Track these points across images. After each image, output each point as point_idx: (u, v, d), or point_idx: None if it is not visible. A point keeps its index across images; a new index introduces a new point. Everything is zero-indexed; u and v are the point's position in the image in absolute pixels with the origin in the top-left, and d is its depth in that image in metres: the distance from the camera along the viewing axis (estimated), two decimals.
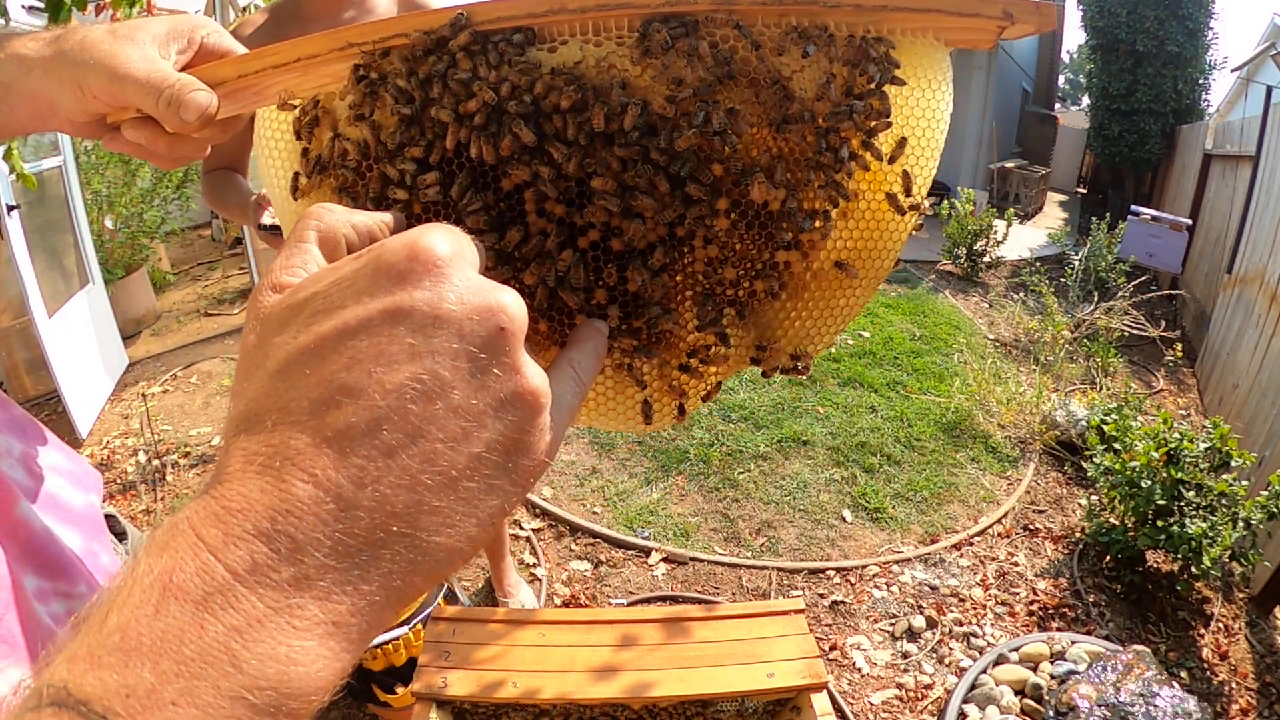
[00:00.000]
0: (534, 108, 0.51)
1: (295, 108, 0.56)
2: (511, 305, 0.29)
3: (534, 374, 0.29)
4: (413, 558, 0.26)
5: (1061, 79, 24.23)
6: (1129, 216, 6.58)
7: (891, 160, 0.55)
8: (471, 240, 0.32)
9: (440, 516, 0.26)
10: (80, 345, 3.73)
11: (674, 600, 2.60)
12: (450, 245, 0.29)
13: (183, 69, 0.52)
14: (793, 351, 0.59)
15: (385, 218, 0.37)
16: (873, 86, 0.53)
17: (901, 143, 0.55)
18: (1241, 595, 2.77)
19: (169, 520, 0.25)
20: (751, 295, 0.58)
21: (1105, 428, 2.99)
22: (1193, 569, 2.46)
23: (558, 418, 0.32)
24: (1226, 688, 2.38)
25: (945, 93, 0.55)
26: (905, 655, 2.43)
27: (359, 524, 0.25)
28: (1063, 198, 12.42)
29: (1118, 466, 2.66)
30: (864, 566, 2.81)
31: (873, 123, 0.53)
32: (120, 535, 0.69)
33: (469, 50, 0.51)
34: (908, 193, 0.56)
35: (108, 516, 0.67)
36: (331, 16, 1.44)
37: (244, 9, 3.85)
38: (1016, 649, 2.23)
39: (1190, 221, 6.54)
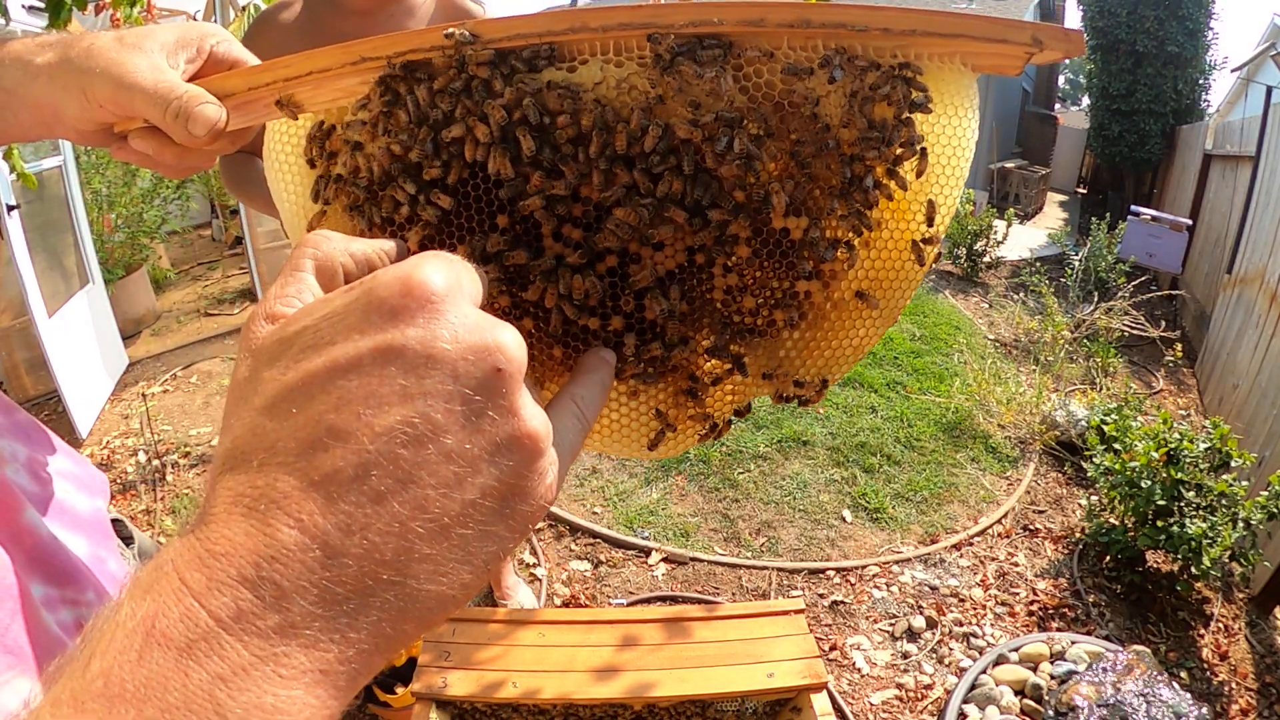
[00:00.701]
0: (546, 125, 0.50)
1: (295, 115, 0.54)
2: (509, 345, 0.27)
3: (532, 416, 0.28)
4: (403, 606, 0.25)
5: (1061, 79, 24.22)
6: (1129, 217, 6.58)
7: (918, 175, 0.54)
8: (473, 270, 0.30)
9: (432, 564, 0.25)
10: (80, 345, 3.73)
11: (674, 600, 2.60)
12: (446, 278, 0.28)
13: (191, 78, 0.51)
14: (811, 379, 0.58)
15: (386, 245, 0.36)
16: (901, 115, 0.51)
17: (924, 169, 0.54)
18: (1241, 595, 2.77)
19: (152, 562, 0.24)
20: (770, 324, 0.56)
21: (1105, 428, 2.99)
22: (1193, 569, 2.46)
23: (559, 458, 0.30)
24: (1226, 688, 2.39)
25: (971, 119, 0.54)
26: (905, 655, 2.43)
27: (346, 571, 0.24)
28: (1063, 198, 12.42)
29: (1118, 467, 2.66)
30: (864, 567, 2.81)
31: (899, 152, 0.52)
32: (127, 540, 0.68)
33: (487, 67, 0.50)
34: (930, 222, 0.55)
35: (114, 521, 0.67)
36: (369, 11, 1.40)
37: (244, 9, 3.84)
38: (1016, 649, 2.23)
39: (1190, 222, 6.54)
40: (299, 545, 0.24)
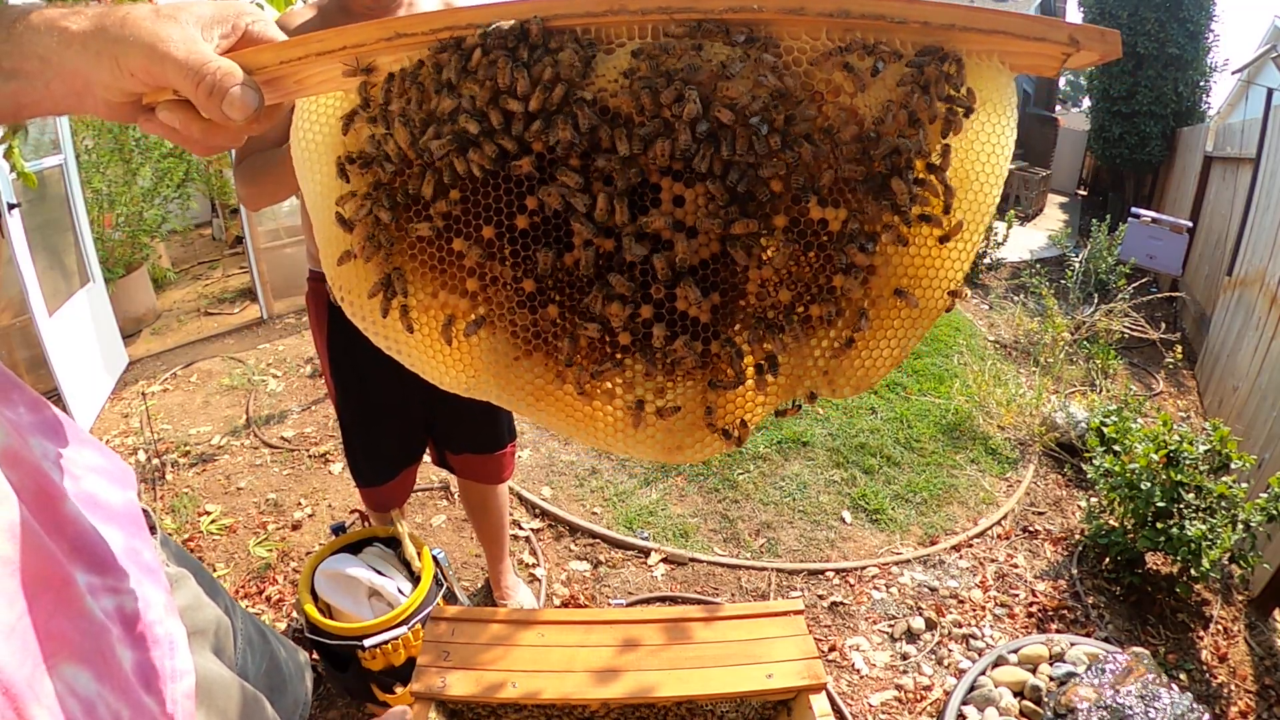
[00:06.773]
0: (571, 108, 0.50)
1: (370, 74, 0.53)
2: None
3: None
4: None
5: (1062, 80, 24.21)
6: (1129, 218, 6.58)
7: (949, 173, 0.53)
8: None
9: None
10: (80, 344, 3.73)
11: (673, 601, 2.60)
12: None
13: (224, 55, 0.51)
14: (850, 386, 0.58)
15: None
16: (943, 111, 0.51)
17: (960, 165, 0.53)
18: (1241, 597, 2.77)
19: None
20: (806, 320, 0.55)
21: (1105, 430, 2.98)
22: (1192, 571, 2.46)
23: None
24: (1225, 690, 2.39)
25: (1010, 119, 0.53)
26: (904, 657, 2.43)
27: None
28: (1063, 199, 12.41)
29: (1117, 468, 2.66)
30: (863, 568, 2.81)
31: (940, 147, 0.52)
32: (151, 529, 0.69)
33: (528, 45, 0.49)
34: (953, 231, 0.54)
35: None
36: (378, 12, 1.40)
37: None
38: (1015, 651, 2.23)
39: (1190, 224, 6.54)
40: None
